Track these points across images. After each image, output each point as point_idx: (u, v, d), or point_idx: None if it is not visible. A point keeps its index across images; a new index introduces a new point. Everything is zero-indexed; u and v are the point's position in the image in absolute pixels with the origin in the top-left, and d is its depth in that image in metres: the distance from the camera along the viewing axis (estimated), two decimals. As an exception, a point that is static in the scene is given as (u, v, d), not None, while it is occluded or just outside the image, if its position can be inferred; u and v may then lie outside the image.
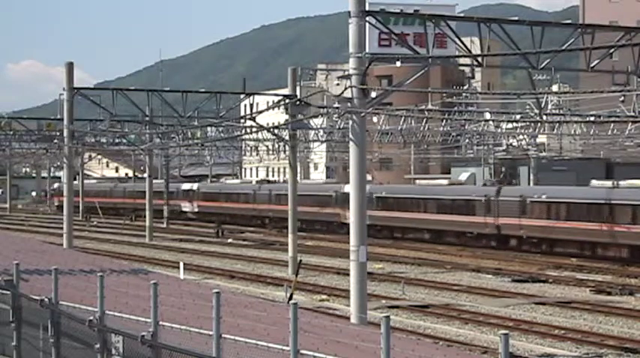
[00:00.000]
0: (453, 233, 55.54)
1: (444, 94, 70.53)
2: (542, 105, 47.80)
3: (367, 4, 23.59)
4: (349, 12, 23.21)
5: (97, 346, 14.63)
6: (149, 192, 64.97)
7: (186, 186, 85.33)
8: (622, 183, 47.06)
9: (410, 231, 59.16)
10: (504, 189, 54.13)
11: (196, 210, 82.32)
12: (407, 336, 21.14)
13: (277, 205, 68.52)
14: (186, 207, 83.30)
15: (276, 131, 49.82)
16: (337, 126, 60.17)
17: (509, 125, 62.37)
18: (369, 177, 65.28)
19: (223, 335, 12.19)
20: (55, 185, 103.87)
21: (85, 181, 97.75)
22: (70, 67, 42.98)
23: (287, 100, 40.69)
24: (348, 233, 24.17)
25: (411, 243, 56.22)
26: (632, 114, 47.90)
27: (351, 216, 24.06)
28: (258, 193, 74.49)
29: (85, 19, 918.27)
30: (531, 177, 65.44)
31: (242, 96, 48.06)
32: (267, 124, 49.82)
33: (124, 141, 63.19)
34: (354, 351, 12.15)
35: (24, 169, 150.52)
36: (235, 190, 79.38)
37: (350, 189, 24.62)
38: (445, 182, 63.65)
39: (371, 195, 68.70)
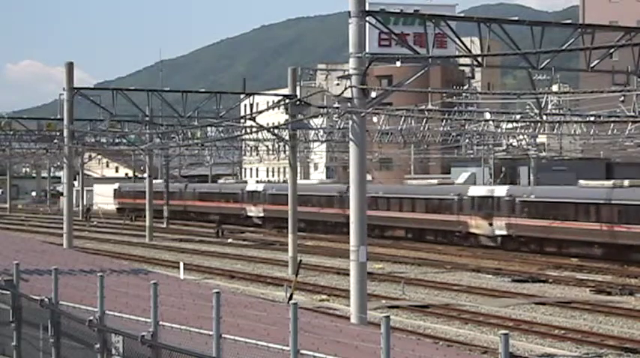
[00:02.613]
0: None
1: (444, 94, 70.49)
2: (542, 105, 47.82)
3: (367, 4, 23.59)
4: (349, 12, 23.21)
5: (97, 346, 14.63)
6: (149, 192, 65.11)
7: (250, 186, 77.77)
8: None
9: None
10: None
11: (261, 214, 73.03)
12: (407, 336, 21.14)
13: (377, 210, 58.32)
14: (251, 211, 73.93)
15: (276, 131, 49.82)
16: (337, 126, 60.16)
17: (509, 125, 62.36)
18: (369, 177, 65.09)
19: (223, 335, 12.19)
20: (116, 185, 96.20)
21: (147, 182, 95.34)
22: (70, 67, 42.98)
23: (287, 100, 40.70)
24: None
25: (411, 243, 56.27)
26: (632, 114, 47.90)
27: (351, 216, 24.07)
28: (346, 196, 67.12)
29: (85, 19, 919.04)
30: (531, 177, 65.42)
31: (242, 96, 48.08)
32: (267, 124, 49.83)
33: (124, 141, 63.20)
34: (354, 351, 12.15)
35: (24, 169, 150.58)
36: (316, 192, 68.02)
37: (350, 189, 24.67)
38: (435, 182, 64.28)
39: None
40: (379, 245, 52.76)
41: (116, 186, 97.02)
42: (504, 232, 51.02)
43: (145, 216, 76.36)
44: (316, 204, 64.90)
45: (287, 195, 68.50)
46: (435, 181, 62.19)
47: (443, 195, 56.59)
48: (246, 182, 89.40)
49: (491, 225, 51.85)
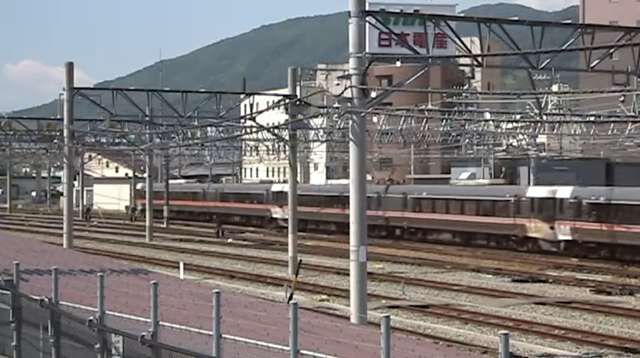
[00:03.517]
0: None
1: (444, 94, 70.53)
2: (542, 105, 47.81)
3: (367, 4, 23.58)
4: (349, 12, 23.21)
5: (97, 346, 14.63)
6: (149, 192, 65.12)
7: (276, 187, 73.24)
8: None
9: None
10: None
11: (287, 216, 72.37)
12: (407, 336, 21.14)
13: (419, 212, 57.78)
14: (277, 213, 70.42)
15: (276, 131, 49.82)
16: (337, 126, 60.12)
17: (509, 125, 62.36)
18: (369, 177, 64.79)
19: (223, 335, 12.19)
20: (139, 186, 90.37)
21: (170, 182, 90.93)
22: (70, 67, 42.97)
23: (287, 100, 40.70)
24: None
25: (411, 243, 56.22)
26: (632, 114, 47.90)
27: (351, 216, 24.12)
28: (385, 197, 60.95)
29: (85, 19, 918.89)
30: (531, 177, 65.42)
31: (242, 96, 48.08)
32: (267, 124, 49.82)
33: (124, 141, 63.18)
34: (354, 351, 12.15)
35: (24, 169, 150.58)
36: (347, 193, 68.68)
37: (350, 189, 24.69)
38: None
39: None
40: (379, 245, 52.75)
41: (139, 186, 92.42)
42: (568, 237, 47.45)
43: (170, 218, 75.42)
44: (348, 206, 62.95)
45: (317, 196, 66.96)
46: (486, 181, 58.66)
47: (497, 196, 53.15)
48: (271, 182, 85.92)
49: (552, 228, 48.33)
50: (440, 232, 57.81)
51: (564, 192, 48.52)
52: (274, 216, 70.90)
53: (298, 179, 64.42)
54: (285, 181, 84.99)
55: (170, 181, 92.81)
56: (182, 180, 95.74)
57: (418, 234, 57.86)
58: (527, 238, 50.07)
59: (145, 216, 74.68)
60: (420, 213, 56.66)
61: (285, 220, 64.99)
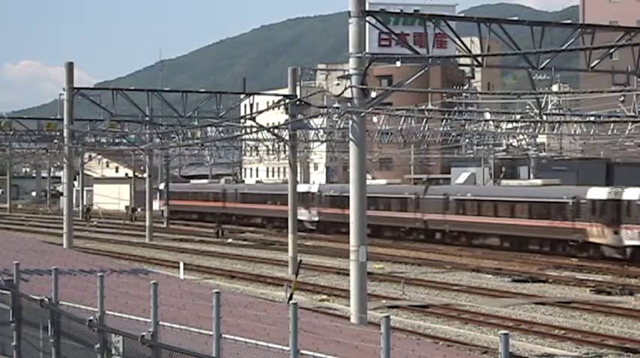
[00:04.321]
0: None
1: (444, 94, 70.52)
2: (542, 105, 47.78)
3: (367, 4, 23.60)
4: (349, 12, 23.22)
5: (97, 346, 14.62)
6: (149, 192, 65.10)
7: (302, 187, 67.59)
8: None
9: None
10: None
11: (315, 218, 66.28)
12: (407, 336, 21.13)
13: (463, 215, 54.50)
14: (302, 215, 65.09)
15: (276, 131, 49.83)
16: (337, 126, 60.12)
17: (509, 125, 62.39)
18: (369, 177, 64.38)
19: (223, 335, 12.18)
20: (161, 186, 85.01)
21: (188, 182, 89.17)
22: (70, 67, 42.97)
23: (287, 100, 40.70)
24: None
25: (411, 243, 56.19)
26: (632, 114, 47.84)
27: (351, 216, 24.12)
28: (424, 199, 57.51)
29: (85, 19, 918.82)
30: (531, 177, 65.42)
31: (242, 96, 48.12)
32: (267, 124, 49.83)
33: (124, 141, 63.18)
34: (354, 351, 12.15)
35: (24, 169, 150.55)
36: (384, 193, 60.06)
37: (350, 189, 24.70)
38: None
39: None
40: (379, 245, 52.73)
41: (161, 186, 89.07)
42: (636, 242, 44.05)
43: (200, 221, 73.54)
44: (385, 208, 58.73)
45: (349, 196, 63.65)
46: (540, 181, 54.54)
47: (553, 198, 49.06)
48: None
49: (617, 233, 45.04)
50: (486, 236, 53.83)
51: (632, 193, 45.04)
52: (299, 218, 67.55)
53: (298, 179, 64.29)
54: (313, 181, 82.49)
55: (193, 181, 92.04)
56: (204, 180, 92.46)
57: (461, 239, 54.59)
58: (587, 243, 46.93)
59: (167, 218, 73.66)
60: (463, 215, 53.55)
61: (312, 223, 65.87)
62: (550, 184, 52.31)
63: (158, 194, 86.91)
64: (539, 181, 54.30)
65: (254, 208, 74.41)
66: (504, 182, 57.21)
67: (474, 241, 54.11)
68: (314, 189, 68.13)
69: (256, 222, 72.74)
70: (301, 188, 67.27)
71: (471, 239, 54.30)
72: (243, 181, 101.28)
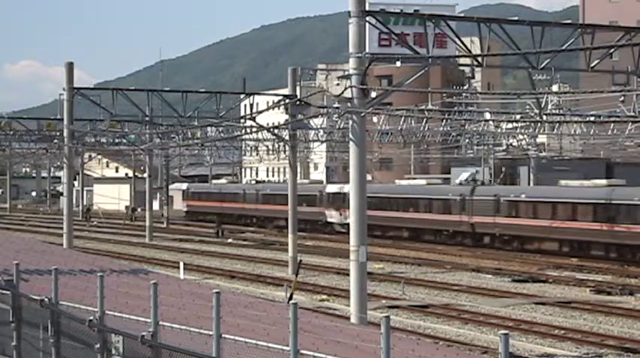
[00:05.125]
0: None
1: (444, 94, 70.52)
2: (542, 105, 47.77)
3: (367, 4, 23.60)
4: (349, 12, 23.22)
5: (97, 346, 14.62)
6: (149, 192, 65.11)
7: (332, 188, 66.39)
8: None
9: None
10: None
11: (347, 221, 66.01)
12: (407, 336, 21.13)
13: (510, 217, 50.84)
14: (332, 217, 64.39)
15: (276, 131, 49.83)
16: (337, 126, 60.10)
17: (509, 125, 62.37)
18: (369, 177, 64.24)
19: (223, 335, 12.18)
20: (184, 186, 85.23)
21: (215, 181, 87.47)
22: (70, 67, 42.97)
23: (287, 100, 40.71)
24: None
25: (411, 243, 56.14)
26: (632, 114, 47.84)
27: (351, 216, 24.11)
28: (471, 200, 53.76)
29: (85, 19, 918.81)
30: (531, 177, 65.45)
31: (242, 96, 48.13)
32: (267, 124, 49.84)
33: (124, 141, 63.20)
34: (354, 351, 12.15)
35: (24, 169, 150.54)
36: (425, 194, 57.76)
37: (350, 189, 24.70)
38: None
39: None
40: (379, 245, 52.73)
41: (184, 186, 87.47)
42: None
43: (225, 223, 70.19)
44: (425, 210, 56.72)
45: (388, 198, 58.44)
46: (604, 181, 49.67)
47: (622, 200, 44.21)
48: (322, 182, 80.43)
49: None
50: (542, 241, 50.12)
51: None
52: (329, 220, 64.61)
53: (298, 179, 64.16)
54: (339, 182, 76.55)
55: (214, 181, 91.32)
56: (223, 180, 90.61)
57: (513, 243, 50.91)
58: None
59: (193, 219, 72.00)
60: (517, 218, 50.03)
61: (344, 225, 58.40)
62: (615, 184, 47.95)
63: (181, 194, 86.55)
64: (603, 181, 49.66)
65: (276, 209, 69.13)
66: (563, 182, 51.43)
67: (527, 246, 50.51)
68: (346, 189, 60.44)
69: (279, 225, 68.14)
70: (331, 188, 66.28)
71: (524, 243, 50.70)
72: (259, 181, 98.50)
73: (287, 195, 67.77)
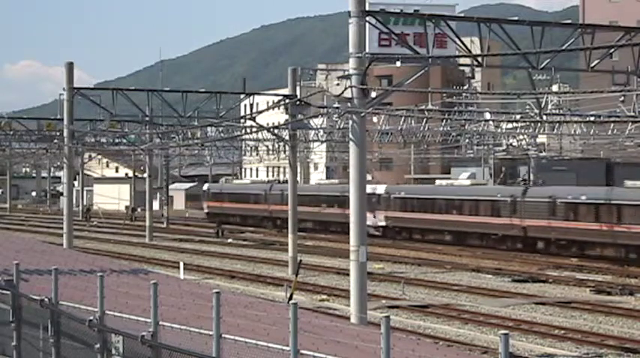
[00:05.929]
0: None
1: (444, 94, 70.51)
2: (542, 105, 47.75)
3: (367, 4, 23.60)
4: (349, 12, 23.22)
5: (97, 346, 14.62)
6: (149, 192, 65.09)
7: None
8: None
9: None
10: None
11: (382, 223, 59.22)
12: (407, 336, 21.12)
13: (568, 221, 47.21)
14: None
15: (276, 131, 49.83)
16: (337, 126, 60.08)
17: (509, 125, 62.35)
18: (369, 177, 64.01)
19: (223, 335, 12.18)
20: (205, 186, 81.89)
21: (237, 181, 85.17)
22: (70, 67, 42.97)
23: (287, 100, 40.71)
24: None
25: (411, 243, 56.12)
26: (632, 114, 47.83)
27: (351, 216, 24.13)
28: (523, 202, 50.10)
29: (84, 19, 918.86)
30: (531, 177, 65.44)
31: (242, 96, 48.13)
32: (267, 124, 49.84)
33: (124, 141, 63.20)
34: (354, 351, 12.15)
35: (24, 169, 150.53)
36: (469, 195, 54.61)
37: (350, 189, 24.72)
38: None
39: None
40: (379, 245, 52.72)
41: (205, 186, 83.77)
42: None
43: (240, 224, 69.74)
44: (471, 212, 53.64)
45: (427, 199, 55.45)
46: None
47: None
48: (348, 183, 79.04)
49: None
50: (605, 246, 46.72)
51: None
52: None
53: (298, 179, 64.19)
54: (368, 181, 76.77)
55: (236, 181, 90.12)
56: (247, 180, 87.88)
57: (571, 249, 47.59)
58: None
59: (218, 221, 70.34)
60: (576, 222, 46.43)
61: (376, 228, 57.42)
62: None
63: (203, 194, 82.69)
64: None
65: (304, 211, 61.41)
66: (629, 182, 46.81)
67: (588, 252, 47.17)
68: (380, 190, 60.01)
69: (306, 227, 63.87)
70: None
71: (583, 249, 47.31)
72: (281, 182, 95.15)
73: (321, 196, 66.17)
